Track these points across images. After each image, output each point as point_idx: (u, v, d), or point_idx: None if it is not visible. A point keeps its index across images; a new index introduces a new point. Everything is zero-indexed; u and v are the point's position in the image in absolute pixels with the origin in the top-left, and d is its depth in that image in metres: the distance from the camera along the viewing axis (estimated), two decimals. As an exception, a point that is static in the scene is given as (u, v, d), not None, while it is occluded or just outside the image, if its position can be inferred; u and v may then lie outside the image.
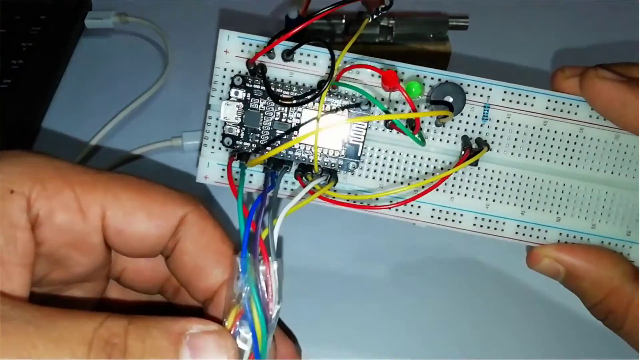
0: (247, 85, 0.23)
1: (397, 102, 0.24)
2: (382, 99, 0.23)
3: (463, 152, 0.23)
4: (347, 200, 0.22)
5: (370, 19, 0.23)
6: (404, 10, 0.39)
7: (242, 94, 0.23)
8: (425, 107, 0.24)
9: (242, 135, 0.23)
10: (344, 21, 0.37)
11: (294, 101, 0.22)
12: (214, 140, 0.24)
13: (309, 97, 0.22)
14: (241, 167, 0.22)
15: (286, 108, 0.23)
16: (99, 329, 0.16)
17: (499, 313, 0.30)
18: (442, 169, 0.24)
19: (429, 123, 0.24)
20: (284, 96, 0.23)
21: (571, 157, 0.24)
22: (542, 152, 0.24)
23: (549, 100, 0.24)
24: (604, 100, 0.22)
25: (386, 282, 0.31)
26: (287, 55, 0.22)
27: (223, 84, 0.24)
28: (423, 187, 0.23)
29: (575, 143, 0.24)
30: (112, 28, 0.43)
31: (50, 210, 0.18)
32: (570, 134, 0.24)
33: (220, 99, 0.24)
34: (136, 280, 0.23)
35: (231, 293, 0.19)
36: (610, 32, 0.46)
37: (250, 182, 0.24)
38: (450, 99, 0.23)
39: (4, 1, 0.42)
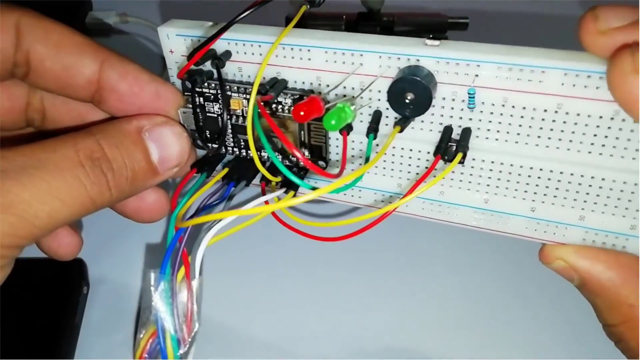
0: (198, 90, 0.21)
1: (352, 88, 0.19)
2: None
3: (433, 158, 0.19)
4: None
5: (308, 6, 0.18)
6: (404, 10, 0.39)
7: (197, 99, 0.22)
8: (387, 109, 0.19)
9: (206, 138, 0.23)
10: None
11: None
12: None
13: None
14: (201, 176, 0.22)
15: (241, 110, 0.21)
16: (79, 151, 0.17)
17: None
18: (427, 160, 0.20)
19: (391, 118, 0.19)
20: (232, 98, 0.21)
21: (603, 145, 0.18)
22: (560, 139, 0.18)
23: (565, 75, 0.17)
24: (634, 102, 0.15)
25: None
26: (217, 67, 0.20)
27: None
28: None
29: (609, 128, 0.17)
30: (112, 28, 0.43)
31: None
32: (601, 117, 0.17)
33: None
34: None
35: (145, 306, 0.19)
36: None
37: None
38: (411, 95, 0.18)
39: (5, 1, 0.43)
